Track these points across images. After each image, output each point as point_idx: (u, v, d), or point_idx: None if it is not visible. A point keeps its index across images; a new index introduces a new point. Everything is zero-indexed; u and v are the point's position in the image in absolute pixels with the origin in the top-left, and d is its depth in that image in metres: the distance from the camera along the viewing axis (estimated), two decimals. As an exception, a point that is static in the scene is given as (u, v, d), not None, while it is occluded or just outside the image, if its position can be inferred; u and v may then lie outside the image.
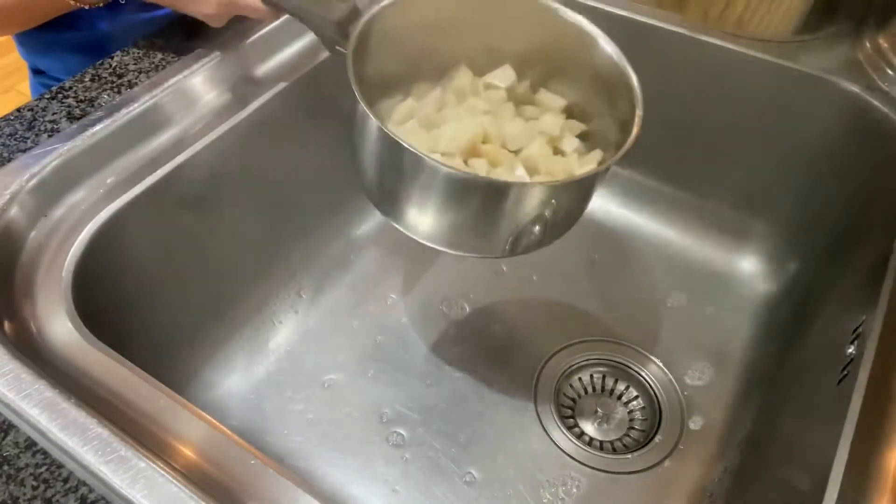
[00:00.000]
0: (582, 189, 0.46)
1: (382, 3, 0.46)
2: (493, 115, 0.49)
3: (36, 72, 0.71)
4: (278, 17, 0.51)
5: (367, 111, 0.41)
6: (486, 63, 0.52)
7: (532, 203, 0.43)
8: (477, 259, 0.69)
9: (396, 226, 0.48)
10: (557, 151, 0.50)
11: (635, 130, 0.43)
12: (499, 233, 0.45)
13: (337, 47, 0.48)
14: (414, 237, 0.47)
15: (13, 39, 0.70)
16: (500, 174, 0.46)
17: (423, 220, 0.46)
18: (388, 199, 0.47)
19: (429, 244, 0.47)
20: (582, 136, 0.51)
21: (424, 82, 0.52)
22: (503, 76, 0.51)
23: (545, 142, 0.49)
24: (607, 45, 0.48)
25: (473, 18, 0.50)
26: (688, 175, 0.71)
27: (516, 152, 0.48)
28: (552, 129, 0.49)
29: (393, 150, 0.42)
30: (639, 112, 0.44)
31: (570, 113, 0.52)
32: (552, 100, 0.52)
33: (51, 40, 0.66)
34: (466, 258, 0.70)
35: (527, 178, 0.46)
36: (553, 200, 0.43)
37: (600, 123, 0.50)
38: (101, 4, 0.58)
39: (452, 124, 0.47)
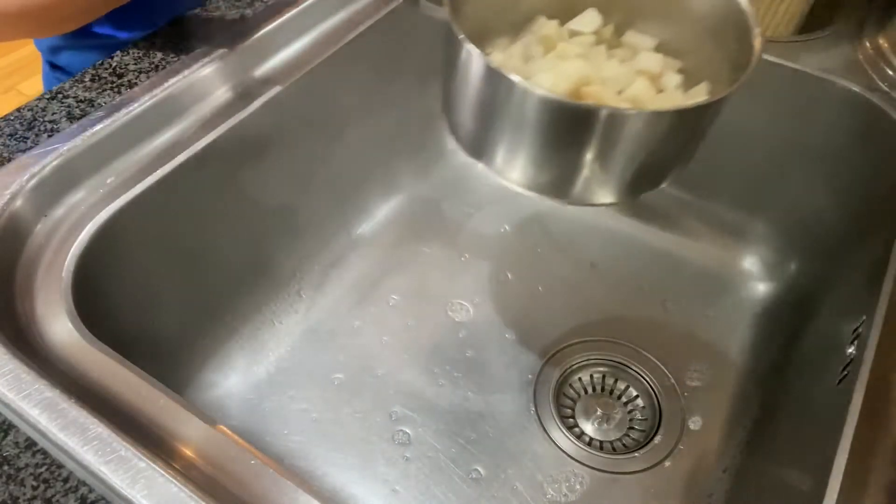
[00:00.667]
0: (711, 114, 0.43)
1: None
2: (586, 59, 0.47)
3: (53, 66, 0.71)
4: None
5: (470, 46, 0.39)
6: (564, 12, 0.49)
7: (657, 132, 0.40)
8: (486, 257, 0.69)
9: (490, 169, 0.45)
10: (659, 90, 0.47)
11: (757, 45, 0.40)
12: (610, 171, 0.42)
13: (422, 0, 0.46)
14: (508, 182, 0.45)
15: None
16: None
17: (521, 161, 0.44)
18: (486, 141, 0.45)
19: (525, 189, 0.45)
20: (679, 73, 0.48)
21: (503, 38, 0.49)
22: (589, 21, 0.49)
23: (647, 80, 0.46)
24: None
25: None
26: (688, 175, 0.71)
27: (618, 94, 0.46)
28: (652, 67, 0.47)
29: (498, 86, 0.40)
30: (756, 29, 0.42)
31: (661, 52, 0.49)
32: (642, 40, 0.49)
33: (72, 40, 0.66)
34: (467, 261, 0.70)
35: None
36: (678, 128, 0.41)
37: (696, 58, 0.48)
38: None
39: (549, 72, 0.45)
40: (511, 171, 0.45)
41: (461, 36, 0.40)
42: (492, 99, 0.42)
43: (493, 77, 0.40)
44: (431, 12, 0.67)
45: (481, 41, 0.48)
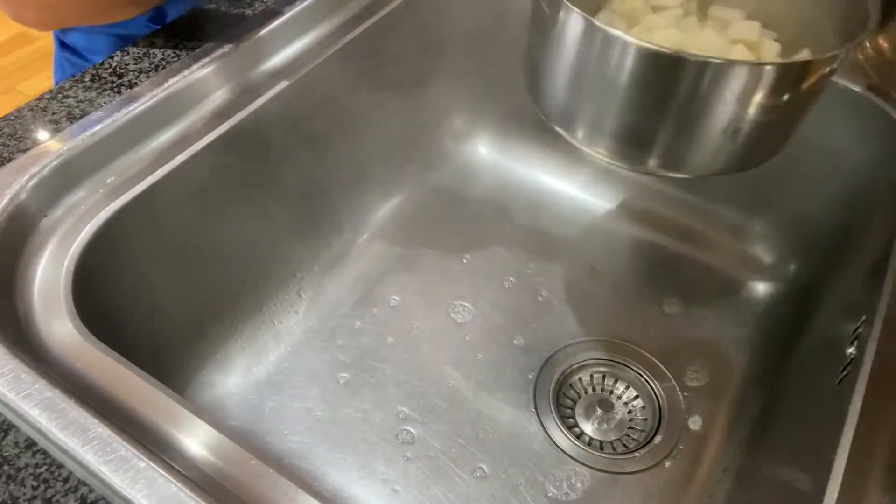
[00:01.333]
0: (825, 74, 0.40)
1: None
2: (678, 29, 0.45)
3: (63, 45, 0.71)
4: None
5: (575, 9, 0.38)
6: None
7: (764, 89, 0.38)
8: (486, 258, 0.70)
9: (573, 139, 0.44)
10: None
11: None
12: (710, 139, 0.40)
13: None
14: (591, 151, 0.43)
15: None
16: None
17: (611, 125, 0.42)
18: (576, 108, 0.43)
19: (608, 159, 0.43)
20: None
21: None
22: None
23: (744, 49, 0.44)
24: None
25: None
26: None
27: None
28: (749, 35, 0.44)
29: (597, 42, 0.38)
30: None
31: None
32: (730, 14, 0.47)
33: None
34: (468, 261, 0.70)
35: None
36: (787, 88, 0.38)
37: (791, 28, 0.45)
38: None
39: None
40: (598, 139, 0.43)
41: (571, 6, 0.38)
42: (589, 58, 0.40)
43: (593, 33, 0.38)
44: (431, 12, 0.67)
45: None
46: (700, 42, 0.44)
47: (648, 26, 0.46)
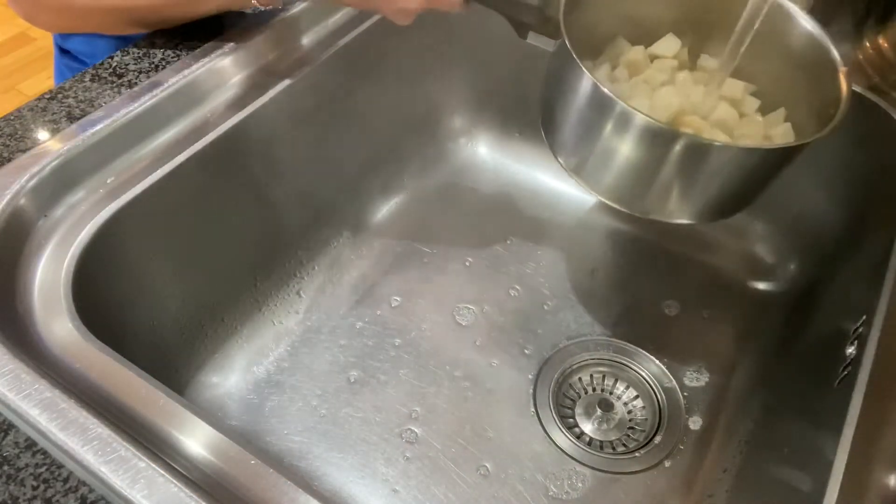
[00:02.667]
0: (798, 153, 0.46)
1: None
2: (674, 86, 0.50)
3: (63, 51, 0.71)
4: (468, 8, 0.51)
5: (590, 76, 0.42)
6: (640, 35, 0.53)
7: (745, 165, 0.44)
8: (487, 258, 0.70)
9: (578, 179, 0.49)
10: (741, 114, 0.50)
11: (844, 87, 0.44)
12: (693, 195, 0.46)
13: (531, 33, 0.49)
14: (594, 193, 0.49)
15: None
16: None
17: (612, 178, 0.48)
18: (582, 157, 0.48)
19: (609, 202, 0.49)
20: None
21: (585, 60, 0.52)
22: (668, 46, 0.52)
23: (729, 105, 0.49)
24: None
25: None
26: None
27: (704, 119, 0.49)
28: (734, 93, 0.50)
29: (607, 109, 0.44)
30: (843, 68, 0.45)
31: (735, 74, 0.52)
32: (713, 64, 0.52)
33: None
34: (468, 262, 0.70)
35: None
36: (766, 164, 0.45)
37: (769, 81, 0.51)
38: (280, 6, 0.57)
39: (643, 98, 0.48)
40: (599, 186, 0.49)
41: (579, 62, 0.43)
42: (598, 120, 0.45)
43: (604, 101, 0.43)
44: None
45: None
46: (693, 99, 0.49)
47: (648, 80, 0.51)
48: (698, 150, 0.43)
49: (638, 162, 0.45)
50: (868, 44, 0.61)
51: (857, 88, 0.57)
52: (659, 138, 0.43)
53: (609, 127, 0.45)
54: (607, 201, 0.49)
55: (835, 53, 0.47)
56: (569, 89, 0.46)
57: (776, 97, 0.51)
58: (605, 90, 0.42)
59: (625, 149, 0.45)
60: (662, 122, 0.43)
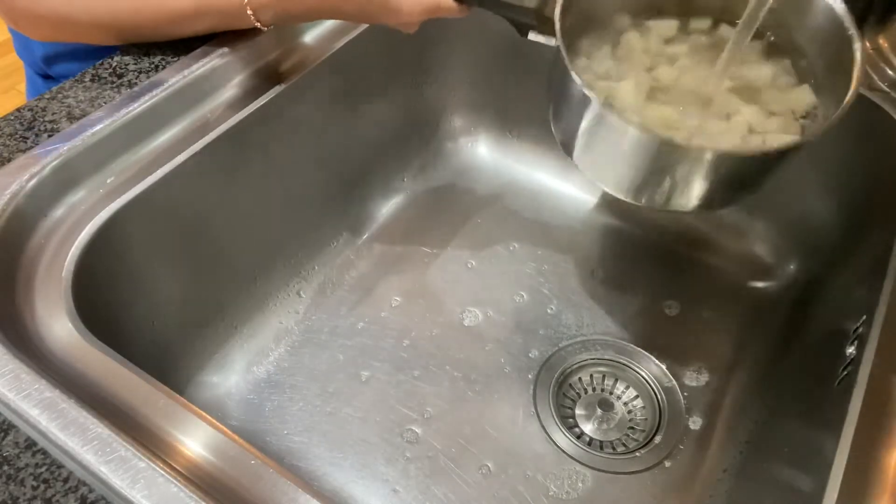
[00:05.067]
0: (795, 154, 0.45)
1: None
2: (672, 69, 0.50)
3: (47, 77, 0.70)
4: (468, 12, 0.51)
5: (596, 100, 0.43)
6: (642, 8, 0.52)
7: (742, 169, 0.45)
8: (487, 258, 0.70)
9: (584, 173, 0.51)
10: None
11: (854, 85, 0.43)
12: (693, 191, 0.46)
13: (532, 32, 0.49)
14: (600, 184, 0.51)
15: (17, 45, 0.69)
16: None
17: (614, 175, 0.49)
18: (586, 155, 0.49)
19: (613, 193, 0.50)
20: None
21: (588, 38, 0.52)
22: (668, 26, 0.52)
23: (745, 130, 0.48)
24: None
25: None
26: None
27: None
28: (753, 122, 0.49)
29: (603, 121, 0.45)
30: (857, 44, 0.44)
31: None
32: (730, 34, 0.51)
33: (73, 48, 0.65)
34: (468, 262, 0.70)
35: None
36: (762, 166, 0.45)
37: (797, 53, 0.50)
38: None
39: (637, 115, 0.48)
40: (603, 178, 0.50)
41: (578, 79, 0.43)
42: (596, 128, 0.46)
43: (598, 114, 0.44)
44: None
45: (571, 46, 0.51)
46: (710, 129, 0.48)
47: (647, 60, 0.50)
48: (690, 157, 0.43)
49: (635, 163, 0.46)
50: (868, 44, 0.61)
51: (856, 88, 0.57)
52: (651, 148, 0.44)
53: (603, 133, 0.46)
54: (615, 194, 0.50)
55: (855, 36, 0.45)
56: (567, 95, 0.46)
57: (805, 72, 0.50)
58: (596, 102, 0.43)
59: (620, 152, 0.46)
60: (653, 133, 0.43)
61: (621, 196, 0.49)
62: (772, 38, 0.51)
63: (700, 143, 0.45)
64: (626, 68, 0.50)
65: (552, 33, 0.46)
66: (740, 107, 0.48)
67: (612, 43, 0.52)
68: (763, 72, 0.50)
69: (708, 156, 0.43)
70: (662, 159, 0.44)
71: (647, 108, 0.48)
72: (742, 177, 0.46)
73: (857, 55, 0.44)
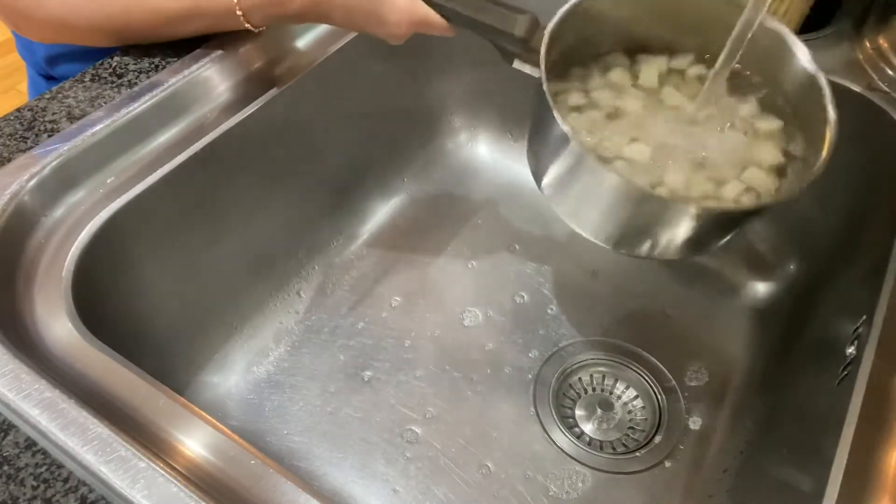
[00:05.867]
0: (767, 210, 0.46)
1: (563, 10, 0.46)
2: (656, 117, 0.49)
3: (50, 78, 0.70)
4: (456, 33, 0.51)
5: (574, 139, 0.42)
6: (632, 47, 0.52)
7: (715, 224, 0.45)
8: (487, 259, 0.70)
9: (559, 213, 0.50)
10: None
11: (825, 152, 0.43)
12: (671, 244, 0.47)
13: (517, 60, 0.49)
14: (576, 228, 0.50)
15: (19, 46, 0.70)
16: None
17: (591, 220, 0.48)
18: (562, 197, 0.49)
19: (591, 238, 0.49)
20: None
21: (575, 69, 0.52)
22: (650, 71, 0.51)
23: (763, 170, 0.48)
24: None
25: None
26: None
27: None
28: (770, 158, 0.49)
29: (580, 163, 0.44)
30: (832, 113, 0.44)
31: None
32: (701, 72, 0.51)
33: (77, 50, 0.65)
34: (469, 262, 0.70)
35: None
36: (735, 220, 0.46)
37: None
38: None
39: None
40: (581, 223, 0.49)
41: (558, 116, 0.42)
42: (574, 170, 0.46)
43: (578, 155, 0.44)
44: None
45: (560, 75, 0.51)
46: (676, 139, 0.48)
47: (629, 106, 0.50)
48: (671, 210, 0.44)
49: (616, 211, 0.46)
50: (868, 44, 0.61)
51: (857, 88, 0.57)
52: (632, 198, 0.44)
53: (584, 177, 0.46)
54: (591, 238, 0.49)
55: (830, 107, 0.45)
56: (547, 132, 0.46)
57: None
58: (576, 144, 0.42)
59: (600, 199, 0.46)
60: (636, 184, 0.42)
61: (599, 241, 0.49)
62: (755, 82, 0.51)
63: (681, 196, 0.45)
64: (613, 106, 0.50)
65: (537, 64, 0.45)
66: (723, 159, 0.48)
67: (601, 74, 0.52)
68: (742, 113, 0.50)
69: (691, 210, 0.43)
70: (642, 210, 0.44)
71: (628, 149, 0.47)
72: (722, 228, 0.47)
73: (830, 112, 0.45)
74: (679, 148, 0.48)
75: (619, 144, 0.47)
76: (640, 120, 0.49)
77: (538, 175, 0.50)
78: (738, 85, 0.50)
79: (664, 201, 0.43)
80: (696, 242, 0.46)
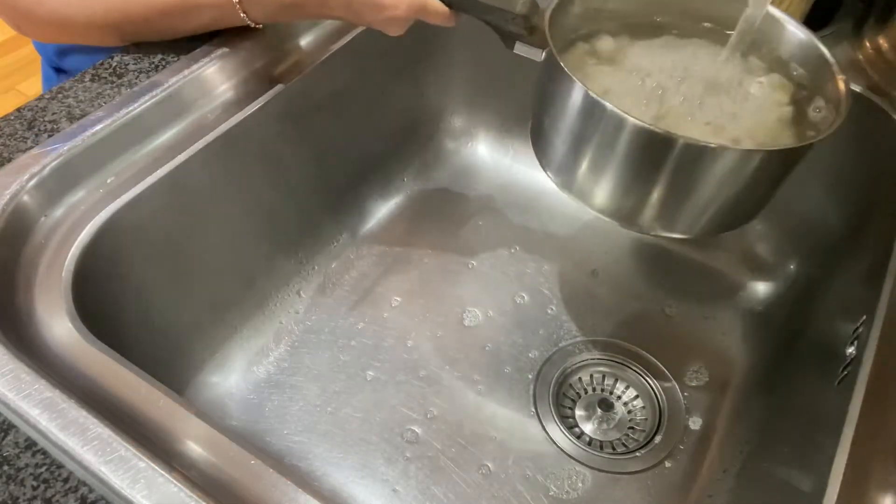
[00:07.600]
0: (798, 157, 0.45)
1: None
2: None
3: (59, 71, 0.71)
4: (457, 20, 0.50)
5: (591, 91, 0.41)
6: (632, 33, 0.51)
7: (740, 170, 0.42)
8: (487, 259, 0.70)
9: (572, 195, 0.48)
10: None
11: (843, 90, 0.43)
12: (688, 206, 0.45)
13: (518, 42, 0.49)
14: (589, 207, 0.48)
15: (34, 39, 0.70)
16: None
17: (605, 189, 0.46)
18: (574, 168, 0.47)
19: (604, 216, 0.47)
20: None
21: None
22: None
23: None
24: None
25: None
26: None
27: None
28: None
29: (596, 113, 0.43)
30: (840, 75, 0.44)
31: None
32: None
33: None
34: (469, 262, 0.70)
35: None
36: (763, 169, 0.43)
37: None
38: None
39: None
40: (594, 198, 0.47)
41: (565, 67, 0.42)
42: (587, 126, 0.44)
43: (592, 105, 0.42)
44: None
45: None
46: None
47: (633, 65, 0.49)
48: (695, 154, 0.41)
49: (631, 170, 0.44)
50: (868, 44, 0.61)
51: (857, 88, 0.57)
52: (653, 142, 0.42)
53: (599, 133, 0.43)
54: (601, 215, 0.48)
55: (830, 58, 0.46)
56: (557, 97, 0.45)
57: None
58: (594, 94, 0.41)
59: (616, 157, 0.43)
60: (656, 127, 0.41)
61: (613, 218, 0.47)
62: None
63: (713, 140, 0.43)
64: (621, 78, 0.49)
65: (540, 44, 0.45)
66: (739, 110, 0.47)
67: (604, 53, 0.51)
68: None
69: (719, 151, 0.40)
70: (664, 160, 0.42)
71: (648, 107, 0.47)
72: (748, 181, 0.44)
73: (841, 85, 0.45)
74: (695, 115, 0.47)
75: (629, 109, 0.46)
76: (652, 91, 0.48)
77: (547, 156, 0.49)
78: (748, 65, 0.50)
79: (692, 143, 0.40)
80: (728, 207, 0.44)
